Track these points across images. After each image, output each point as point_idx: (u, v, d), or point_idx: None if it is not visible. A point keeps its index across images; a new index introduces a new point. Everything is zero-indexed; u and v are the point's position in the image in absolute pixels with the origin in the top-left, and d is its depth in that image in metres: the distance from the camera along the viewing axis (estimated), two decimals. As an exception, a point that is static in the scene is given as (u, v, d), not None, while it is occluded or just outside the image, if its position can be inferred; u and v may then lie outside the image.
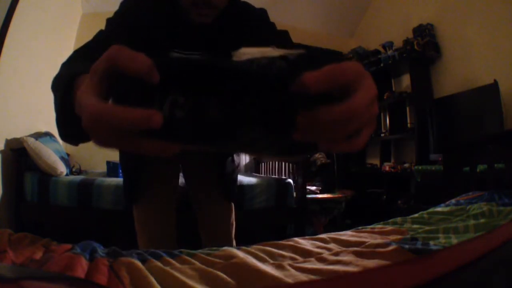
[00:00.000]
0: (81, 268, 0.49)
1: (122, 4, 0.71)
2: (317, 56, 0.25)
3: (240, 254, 0.60)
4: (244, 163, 3.43)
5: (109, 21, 0.70)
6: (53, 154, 2.08)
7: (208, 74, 0.24)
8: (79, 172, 2.43)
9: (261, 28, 0.73)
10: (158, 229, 0.90)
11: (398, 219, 0.99)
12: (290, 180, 2.18)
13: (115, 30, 0.67)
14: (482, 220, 0.85)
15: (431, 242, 0.69)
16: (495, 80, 2.28)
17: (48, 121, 2.58)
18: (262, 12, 0.77)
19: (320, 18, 3.88)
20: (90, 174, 2.43)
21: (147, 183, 0.87)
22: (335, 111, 0.24)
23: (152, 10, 0.68)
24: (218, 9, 0.65)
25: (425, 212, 1.05)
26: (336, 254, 0.64)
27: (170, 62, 0.24)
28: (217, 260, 0.59)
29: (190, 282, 0.47)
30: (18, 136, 2.03)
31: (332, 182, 3.29)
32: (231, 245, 0.76)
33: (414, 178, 2.70)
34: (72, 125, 0.32)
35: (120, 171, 2.30)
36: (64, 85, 0.39)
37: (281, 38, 0.72)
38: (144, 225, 0.90)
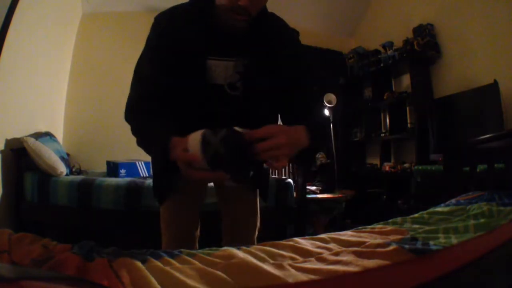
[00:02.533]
0: (81, 268, 0.49)
1: (157, 22, 0.79)
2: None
3: (240, 254, 0.60)
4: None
5: (148, 41, 0.80)
6: (53, 154, 2.08)
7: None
8: (79, 172, 2.43)
9: (289, 48, 0.83)
10: (181, 229, 0.94)
11: (398, 219, 0.99)
12: (290, 180, 2.18)
13: (156, 53, 0.78)
14: (482, 220, 0.85)
15: (431, 242, 0.69)
16: (495, 80, 2.28)
17: (48, 121, 2.59)
18: (294, 34, 0.87)
19: (320, 18, 3.88)
20: (90, 174, 2.43)
21: (177, 184, 0.91)
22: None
23: (187, 24, 0.77)
24: (252, 16, 0.74)
25: (425, 212, 1.05)
26: (336, 254, 0.64)
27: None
28: (217, 260, 0.59)
29: (190, 282, 0.47)
30: (18, 136, 2.03)
31: (332, 182, 3.29)
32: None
33: (414, 178, 2.70)
34: (168, 165, 0.65)
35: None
36: (162, 150, 0.65)
37: (300, 68, 0.84)
38: (169, 224, 0.94)
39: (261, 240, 0.75)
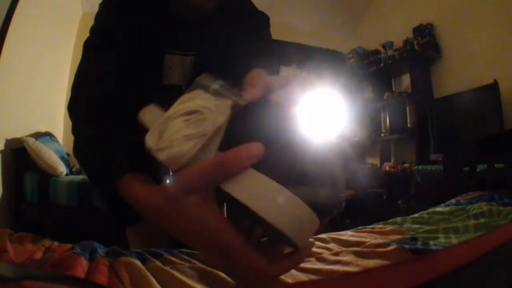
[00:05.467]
0: (81, 268, 0.49)
1: (105, 4, 0.61)
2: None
3: (240, 254, 0.60)
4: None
5: (94, 31, 0.61)
6: (53, 154, 2.08)
7: None
8: (79, 172, 2.42)
9: (259, 34, 0.69)
10: (153, 239, 0.79)
11: (398, 219, 0.99)
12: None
13: (105, 42, 0.59)
14: (482, 220, 0.85)
15: (431, 242, 0.69)
16: (495, 80, 2.28)
17: (48, 121, 2.58)
18: (264, 19, 0.72)
19: (320, 18, 3.88)
20: (90, 174, 2.43)
21: None
22: None
23: (140, 8, 0.60)
24: None
25: (425, 212, 1.05)
26: (336, 254, 0.64)
27: None
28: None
29: (190, 282, 0.47)
30: (18, 136, 2.03)
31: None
32: None
33: (414, 178, 2.70)
34: (125, 210, 0.37)
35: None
36: (108, 186, 0.38)
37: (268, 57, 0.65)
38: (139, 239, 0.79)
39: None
